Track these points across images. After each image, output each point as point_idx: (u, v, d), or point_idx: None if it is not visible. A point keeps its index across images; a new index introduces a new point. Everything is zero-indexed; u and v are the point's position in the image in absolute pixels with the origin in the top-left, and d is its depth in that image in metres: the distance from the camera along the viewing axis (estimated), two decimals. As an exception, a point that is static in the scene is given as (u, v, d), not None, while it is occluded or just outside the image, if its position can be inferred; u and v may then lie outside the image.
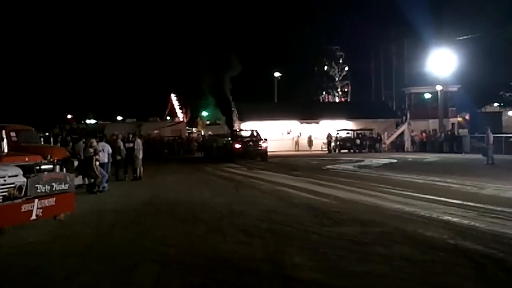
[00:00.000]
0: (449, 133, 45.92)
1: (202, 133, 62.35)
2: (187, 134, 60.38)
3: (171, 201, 15.96)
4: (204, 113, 74.39)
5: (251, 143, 36.84)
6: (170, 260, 8.65)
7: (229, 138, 39.27)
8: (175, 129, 58.82)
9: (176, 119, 71.25)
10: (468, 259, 8.18)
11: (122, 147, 22.94)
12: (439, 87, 47.28)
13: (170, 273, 7.93)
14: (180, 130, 59.13)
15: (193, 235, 10.63)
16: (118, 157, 22.55)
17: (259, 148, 36.56)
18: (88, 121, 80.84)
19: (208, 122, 71.19)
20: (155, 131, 56.39)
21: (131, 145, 23.52)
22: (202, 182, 22.36)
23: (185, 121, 68.59)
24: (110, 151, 20.60)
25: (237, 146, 36.01)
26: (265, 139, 38.06)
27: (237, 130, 43.15)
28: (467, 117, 58.06)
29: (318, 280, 7.38)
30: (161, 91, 75.39)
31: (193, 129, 67.53)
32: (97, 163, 18.29)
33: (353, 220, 11.87)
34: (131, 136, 25.12)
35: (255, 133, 39.26)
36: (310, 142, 52.75)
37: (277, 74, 64.38)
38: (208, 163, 34.33)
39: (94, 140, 18.91)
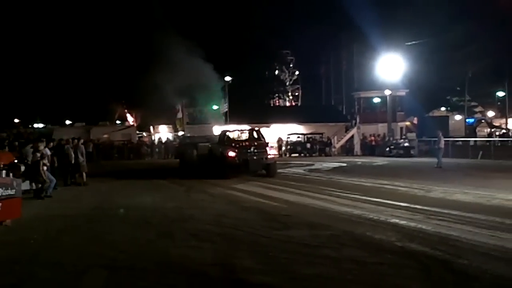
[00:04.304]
0: (391, 139, 46.40)
1: (153, 137, 61.67)
2: (137, 138, 59.90)
3: (121, 206, 15.80)
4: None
5: (252, 149, 25.27)
6: (119, 265, 8.58)
7: (218, 143, 27.23)
8: (125, 133, 58.32)
9: (126, 123, 70.66)
10: (415, 261, 8.32)
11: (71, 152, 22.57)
12: (387, 92, 47.90)
13: (119, 279, 7.87)
14: (130, 134, 58.65)
15: (143, 240, 10.56)
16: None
17: (265, 157, 25.25)
18: (36, 125, 79.50)
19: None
20: (105, 135, 55.76)
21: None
22: (153, 186, 22.20)
23: (135, 125, 68.05)
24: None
25: (231, 154, 24.78)
26: (270, 144, 28.54)
27: (229, 130, 29.31)
28: (415, 121, 59.08)
29: (268, 283, 7.42)
30: (111, 95, 74.54)
31: (143, 133, 66.90)
32: (45, 167, 17.99)
33: (302, 223, 11.95)
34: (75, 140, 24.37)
35: (255, 134, 27.86)
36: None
37: (227, 79, 64.43)
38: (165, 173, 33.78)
39: (41, 145, 18.62)
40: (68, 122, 75.69)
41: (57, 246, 10.26)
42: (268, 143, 27.65)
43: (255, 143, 26.04)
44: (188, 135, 42.34)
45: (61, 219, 13.46)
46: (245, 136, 28.19)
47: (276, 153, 25.68)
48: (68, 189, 21.19)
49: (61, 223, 12.91)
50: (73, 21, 66.72)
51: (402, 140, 44.03)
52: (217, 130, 32.73)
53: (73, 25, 66.58)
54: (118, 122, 73.44)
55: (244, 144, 26.05)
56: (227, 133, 27.95)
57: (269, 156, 25.33)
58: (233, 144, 25.92)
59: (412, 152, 41.33)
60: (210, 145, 28.10)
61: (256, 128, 28.66)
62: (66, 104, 74.01)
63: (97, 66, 66.04)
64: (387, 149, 43.64)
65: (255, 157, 24.87)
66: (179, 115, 56.16)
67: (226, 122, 46.16)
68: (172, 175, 27.27)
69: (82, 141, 24.55)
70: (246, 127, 29.64)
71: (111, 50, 62.18)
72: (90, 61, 66.63)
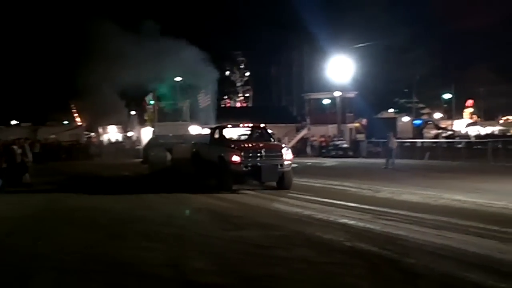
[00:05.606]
0: (343, 139, 47.16)
1: (102, 138, 60.87)
2: (85, 139, 59.23)
3: (69, 207, 15.61)
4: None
5: (264, 152, 18.71)
6: (68, 267, 8.46)
7: (210, 143, 21.44)
8: (73, 134, 57.62)
9: (74, 124, 69.76)
10: (364, 260, 8.40)
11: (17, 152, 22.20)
12: (337, 93, 48.43)
13: (68, 281, 7.76)
14: (78, 135, 57.97)
15: (93, 241, 10.43)
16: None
17: (280, 163, 18.63)
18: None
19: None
20: (52, 136, 54.95)
21: None
22: (102, 187, 21.97)
23: (83, 125, 67.21)
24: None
25: (235, 158, 18.29)
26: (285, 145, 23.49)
27: (226, 125, 22.50)
28: (364, 122, 59.76)
29: (220, 284, 7.43)
30: (58, 94, 73.32)
31: (91, 134, 66.05)
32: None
33: (254, 224, 12.00)
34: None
35: (258, 133, 21.84)
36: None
37: (178, 79, 63.99)
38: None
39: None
40: (14, 122, 74.27)
41: (4, 249, 10.06)
42: (283, 144, 23.05)
43: (266, 145, 19.58)
44: (157, 134, 37.22)
45: (9, 221, 13.21)
46: (248, 134, 22.04)
47: (291, 157, 19.23)
48: (15, 190, 20.78)
49: (8, 225, 12.66)
50: (18, 19, 65.63)
51: (340, 142, 46.50)
52: (194, 129, 29.68)
53: (17, 23, 65.48)
54: (65, 122, 72.40)
55: (250, 145, 19.48)
56: (224, 131, 21.60)
57: (285, 162, 18.78)
58: (233, 146, 19.54)
59: (349, 153, 44.07)
60: (194, 147, 23.39)
61: (263, 125, 22.54)
62: (11, 104, 72.62)
63: (43, 65, 65.04)
64: (323, 150, 46.59)
65: (268, 163, 18.62)
66: (150, 108, 51.21)
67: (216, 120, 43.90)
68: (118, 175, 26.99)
69: (29, 141, 24.22)
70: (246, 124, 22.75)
71: (56, 49, 61.32)
72: (35, 60, 65.62)
